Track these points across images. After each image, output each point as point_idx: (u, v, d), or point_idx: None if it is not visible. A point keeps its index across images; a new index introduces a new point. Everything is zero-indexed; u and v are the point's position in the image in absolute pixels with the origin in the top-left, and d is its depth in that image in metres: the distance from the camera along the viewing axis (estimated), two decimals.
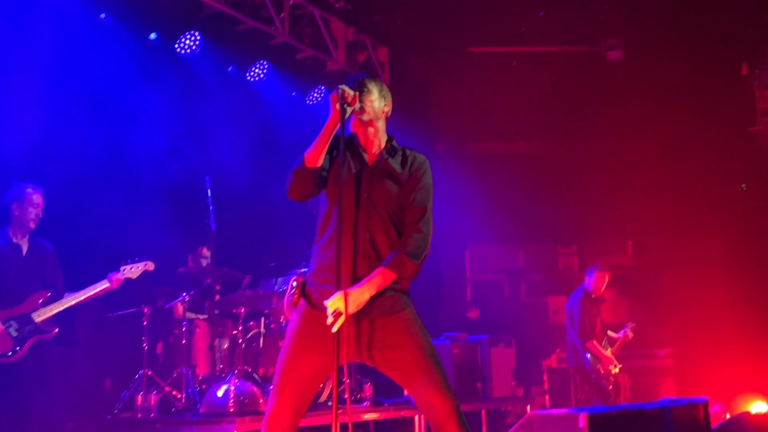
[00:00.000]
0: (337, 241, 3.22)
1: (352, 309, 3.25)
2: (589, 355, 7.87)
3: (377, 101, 3.54)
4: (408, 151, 3.61)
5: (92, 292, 5.72)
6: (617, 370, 7.92)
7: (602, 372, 7.83)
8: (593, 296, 8.03)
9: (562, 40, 10.56)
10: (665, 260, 11.46)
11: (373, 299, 3.33)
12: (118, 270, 5.80)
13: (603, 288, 8.05)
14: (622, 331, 8.27)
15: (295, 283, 6.47)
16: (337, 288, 3.25)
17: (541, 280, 11.70)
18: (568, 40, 10.61)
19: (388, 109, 3.63)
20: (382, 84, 3.62)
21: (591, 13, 9.93)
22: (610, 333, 8.25)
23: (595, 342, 7.85)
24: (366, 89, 3.50)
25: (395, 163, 3.53)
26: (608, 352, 7.97)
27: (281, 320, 6.81)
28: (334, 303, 3.24)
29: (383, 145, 3.60)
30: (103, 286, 5.75)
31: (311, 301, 3.44)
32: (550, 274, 11.68)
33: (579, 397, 8.06)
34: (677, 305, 11.05)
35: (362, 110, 3.49)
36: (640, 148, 11.17)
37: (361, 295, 3.29)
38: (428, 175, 3.56)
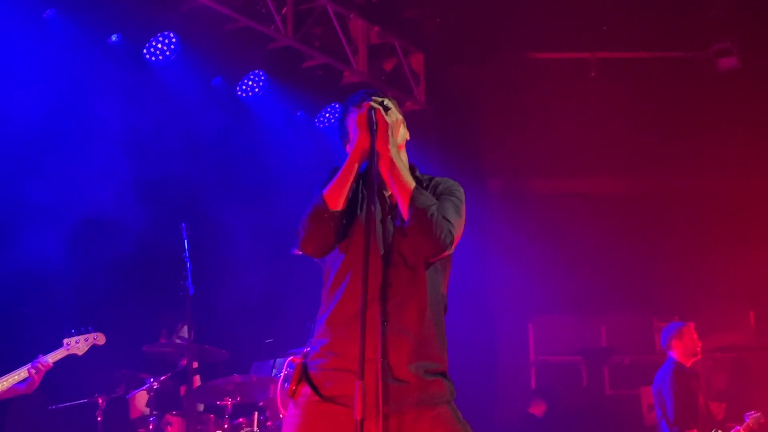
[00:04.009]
0: (362, 314, 3.20)
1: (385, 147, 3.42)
2: None
3: (403, 124, 3.65)
4: (434, 180, 3.67)
5: (5, 384, 5.71)
6: None
7: None
8: (688, 366, 7.77)
9: (657, 43, 10.58)
10: None
11: (406, 386, 3.33)
12: (61, 343, 5.81)
13: (699, 349, 7.78)
14: (745, 422, 7.85)
15: (292, 367, 6.44)
16: (360, 376, 3.16)
17: (632, 365, 11.59)
18: (665, 44, 10.62)
19: (407, 134, 3.73)
20: (394, 101, 3.70)
21: (696, 6, 9.93)
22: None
23: None
24: (389, 110, 3.56)
25: None
26: None
27: (280, 416, 6.79)
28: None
29: None
30: (20, 376, 5.72)
31: (318, 391, 3.40)
32: (644, 357, 11.50)
33: None
34: None
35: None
36: (763, 186, 11.13)
37: (395, 157, 3.45)
38: (461, 194, 3.64)
